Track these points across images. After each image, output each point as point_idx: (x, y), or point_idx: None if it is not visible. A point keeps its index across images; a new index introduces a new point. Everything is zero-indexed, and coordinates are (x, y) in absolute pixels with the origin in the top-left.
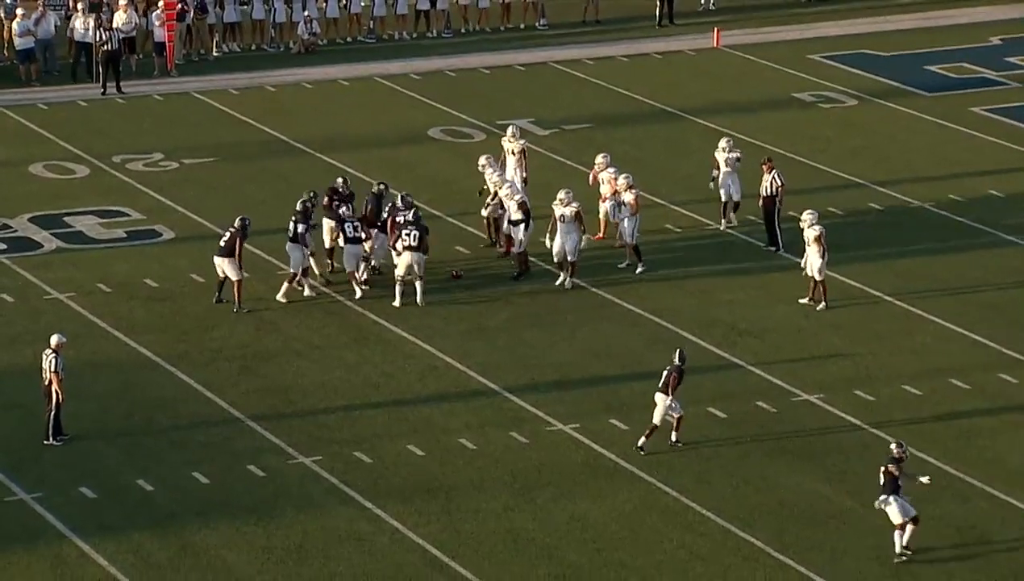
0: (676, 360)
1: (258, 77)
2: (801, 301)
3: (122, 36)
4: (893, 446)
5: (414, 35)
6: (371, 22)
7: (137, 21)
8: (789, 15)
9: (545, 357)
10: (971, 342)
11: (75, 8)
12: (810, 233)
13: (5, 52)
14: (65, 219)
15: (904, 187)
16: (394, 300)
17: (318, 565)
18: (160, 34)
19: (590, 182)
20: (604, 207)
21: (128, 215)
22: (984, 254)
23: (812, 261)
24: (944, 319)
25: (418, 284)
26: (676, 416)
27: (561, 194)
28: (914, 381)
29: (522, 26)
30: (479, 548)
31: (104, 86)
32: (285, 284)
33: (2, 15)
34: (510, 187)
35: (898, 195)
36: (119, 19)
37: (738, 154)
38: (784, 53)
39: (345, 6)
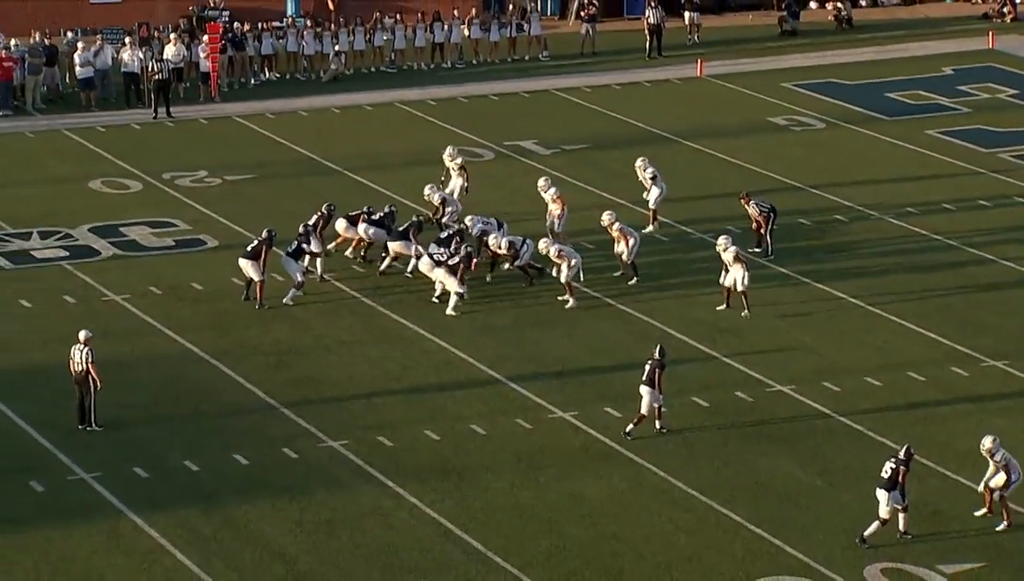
0: (657, 355)
1: (292, 102)
2: (719, 308)
3: (171, 66)
4: (903, 452)
5: (431, 65)
6: (392, 53)
7: (184, 53)
8: (764, 48)
9: (547, 352)
10: (926, 339)
11: (123, 42)
12: (727, 255)
13: (68, 80)
14: (120, 229)
15: (866, 201)
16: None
17: (345, 537)
18: (205, 64)
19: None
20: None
21: (176, 226)
22: (937, 260)
23: (736, 276)
24: (901, 318)
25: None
26: (658, 406)
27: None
28: (875, 373)
29: (527, 57)
30: (488, 522)
31: (155, 111)
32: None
33: (65, 47)
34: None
35: (861, 208)
36: (169, 51)
37: (653, 171)
38: (760, 82)
39: (369, 39)
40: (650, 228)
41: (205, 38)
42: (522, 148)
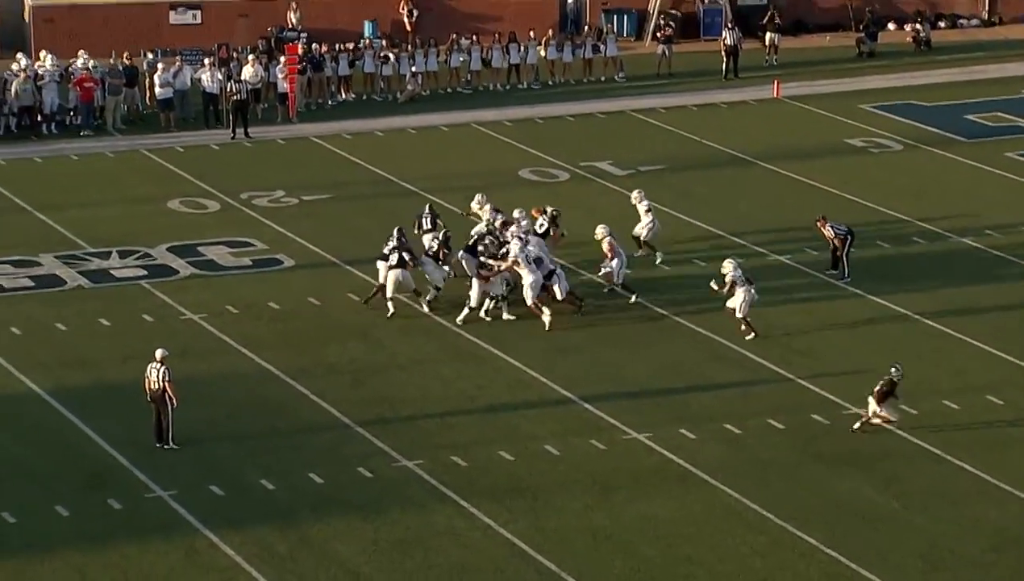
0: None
1: (369, 123)
2: (748, 338)
3: (249, 87)
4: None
5: (507, 86)
6: (468, 74)
7: (263, 74)
8: (842, 69)
9: (621, 372)
10: (1004, 362)
11: (202, 63)
12: (729, 279)
13: (148, 101)
14: (198, 249)
15: (944, 223)
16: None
17: (419, 557)
18: (283, 85)
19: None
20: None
21: (254, 245)
22: (1017, 282)
23: (736, 302)
24: (979, 340)
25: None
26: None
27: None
28: (952, 396)
29: (603, 78)
30: (562, 543)
31: (234, 131)
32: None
33: (145, 68)
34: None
35: (939, 230)
36: (247, 72)
37: (648, 204)
38: (837, 103)
39: (446, 60)
40: (640, 252)
41: (283, 59)
42: (598, 169)
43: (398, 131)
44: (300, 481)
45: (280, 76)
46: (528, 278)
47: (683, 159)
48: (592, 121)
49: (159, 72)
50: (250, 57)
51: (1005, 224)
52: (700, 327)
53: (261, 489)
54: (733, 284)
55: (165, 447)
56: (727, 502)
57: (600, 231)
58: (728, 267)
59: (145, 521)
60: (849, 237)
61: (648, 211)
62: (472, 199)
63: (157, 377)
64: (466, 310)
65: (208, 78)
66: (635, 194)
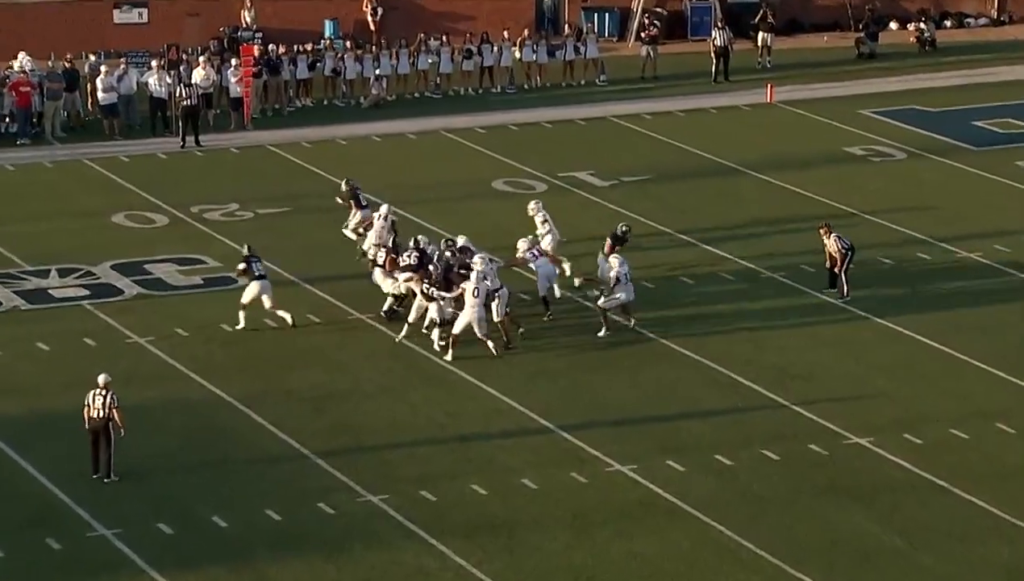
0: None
1: (330, 130)
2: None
3: (200, 91)
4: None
5: (479, 90)
6: (438, 78)
7: (214, 77)
8: (840, 72)
9: (603, 399)
10: (1015, 387)
11: (149, 66)
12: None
13: (90, 107)
14: (145, 266)
15: (950, 236)
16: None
17: None
18: (237, 90)
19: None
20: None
21: (205, 263)
22: None
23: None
24: (988, 364)
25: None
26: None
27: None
28: (960, 424)
29: (583, 82)
30: None
31: (183, 139)
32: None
33: (87, 71)
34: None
35: (944, 244)
36: (197, 75)
37: (544, 215)
38: (835, 108)
39: (413, 63)
40: (567, 267)
41: (236, 61)
42: (577, 179)
43: (362, 139)
44: (256, 517)
45: (233, 80)
46: (469, 313)
47: (669, 169)
48: (571, 128)
49: (102, 75)
50: (201, 59)
51: (1016, 239)
52: (688, 350)
53: (213, 526)
54: (617, 281)
55: (105, 480)
56: (718, 539)
57: (521, 245)
58: (614, 263)
59: (87, 562)
60: (850, 253)
61: (544, 222)
62: (442, 211)
63: (102, 404)
64: (406, 326)
65: (155, 82)
66: (532, 205)
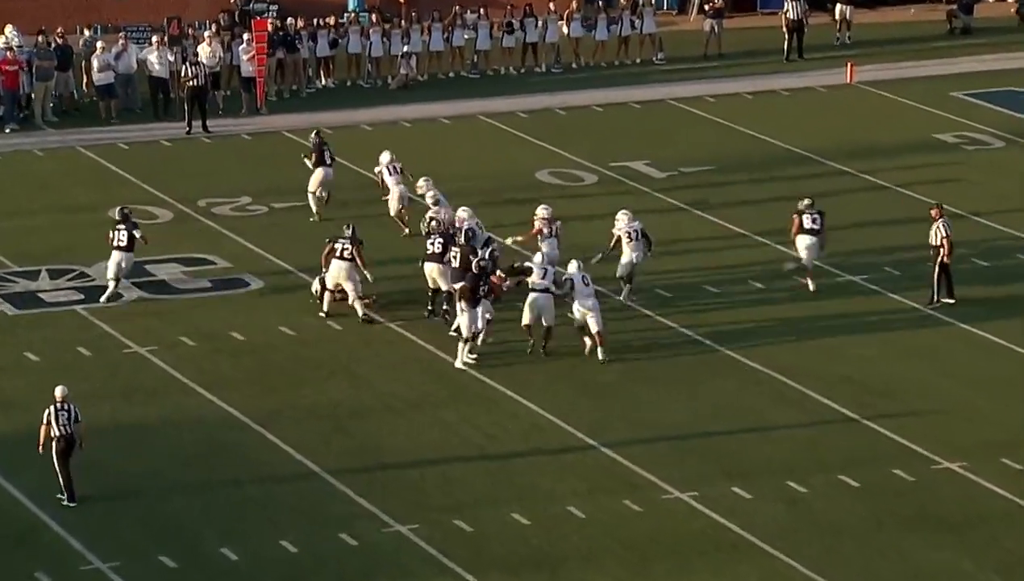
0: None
1: (353, 115)
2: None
3: (208, 71)
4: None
5: (521, 70)
6: (475, 56)
7: (223, 55)
8: (930, 49)
9: (660, 417)
10: None
11: (149, 42)
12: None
13: (85, 88)
14: (147, 267)
15: None
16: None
17: None
18: (249, 69)
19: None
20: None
21: (214, 263)
22: None
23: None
24: None
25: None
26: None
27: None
28: None
29: (638, 60)
30: None
31: (190, 124)
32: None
33: (82, 48)
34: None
35: None
36: (204, 53)
37: (435, 194)
38: (924, 90)
39: (447, 39)
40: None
41: (247, 37)
42: (632, 170)
43: (389, 124)
44: (269, 550)
45: (245, 57)
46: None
47: (735, 158)
48: (625, 112)
49: (98, 52)
50: (207, 35)
51: None
52: (754, 362)
53: (222, 560)
54: (619, 241)
55: (67, 503)
56: (789, 575)
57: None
58: (622, 219)
59: None
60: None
61: (436, 203)
62: (480, 205)
63: (67, 421)
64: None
65: (157, 60)
66: (422, 182)
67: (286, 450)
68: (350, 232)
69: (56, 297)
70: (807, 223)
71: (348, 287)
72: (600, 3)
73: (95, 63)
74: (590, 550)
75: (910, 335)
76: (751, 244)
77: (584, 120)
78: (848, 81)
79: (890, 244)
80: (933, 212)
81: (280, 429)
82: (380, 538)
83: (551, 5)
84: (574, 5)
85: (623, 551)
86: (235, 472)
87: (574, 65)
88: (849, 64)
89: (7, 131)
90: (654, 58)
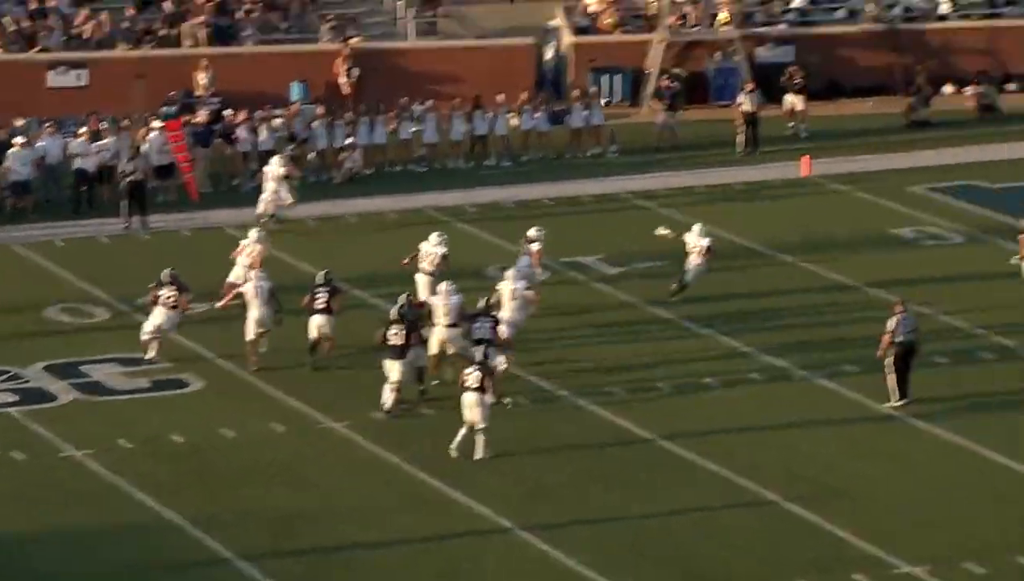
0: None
1: (297, 209)
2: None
3: (147, 164)
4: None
5: (471, 163)
6: (422, 148)
7: (160, 145)
8: (888, 141)
9: (614, 519)
10: None
11: (75, 134)
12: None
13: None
14: (82, 368)
15: (1019, 336)
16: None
17: None
18: (166, 158)
19: None
20: None
21: (153, 363)
22: None
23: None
24: None
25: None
26: None
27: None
28: None
29: (590, 153)
30: None
31: (128, 219)
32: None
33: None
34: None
35: (1009, 343)
36: (144, 145)
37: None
38: (882, 184)
39: (394, 131)
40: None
41: (159, 126)
42: (583, 265)
43: (334, 219)
44: None
45: (155, 147)
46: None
47: None
48: (577, 206)
49: (15, 148)
50: (144, 128)
51: None
52: (710, 461)
53: None
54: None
55: None
56: None
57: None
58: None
59: None
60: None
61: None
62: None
63: None
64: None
65: (80, 152)
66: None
67: (227, 557)
68: (324, 279)
69: None
70: None
71: (327, 332)
72: (551, 94)
73: (10, 158)
74: None
75: (870, 434)
76: (703, 338)
77: (535, 214)
78: (804, 174)
79: (846, 339)
80: (897, 307)
81: (223, 534)
82: None
83: (500, 97)
84: (524, 96)
85: None
86: (175, 579)
87: (524, 158)
88: (805, 157)
89: None
90: (607, 151)
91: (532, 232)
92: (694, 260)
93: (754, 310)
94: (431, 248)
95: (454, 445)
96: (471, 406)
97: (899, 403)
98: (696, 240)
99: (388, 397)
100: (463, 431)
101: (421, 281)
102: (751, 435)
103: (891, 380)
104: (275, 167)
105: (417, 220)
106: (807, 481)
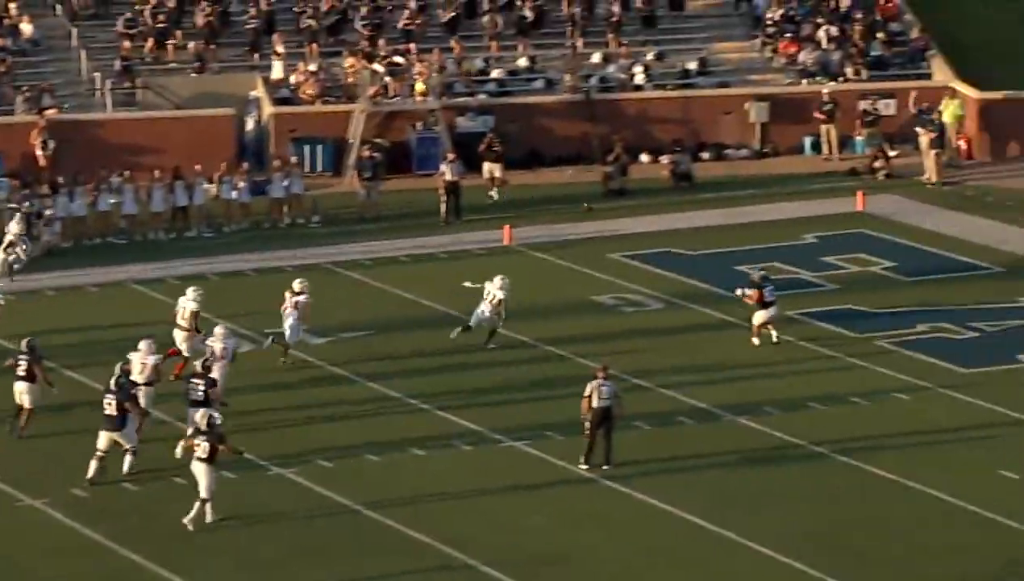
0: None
1: None
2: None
3: None
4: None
5: (172, 234)
6: (122, 220)
7: None
8: (587, 210)
9: None
10: (792, 571)
11: None
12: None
13: None
14: None
15: (716, 399)
16: None
17: None
18: None
19: None
20: None
21: None
22: (802, 471)
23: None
24: (761, 544)
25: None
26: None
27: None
28: None
29: (292, 222)
30: None
31: None
32: None
33: None
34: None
35: (713, 408)
36: None
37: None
38: (582, 252)
39: (92, 203)
40: None
41: None
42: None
43: (30, 294)
44: None
45: None
46: None
47: (394, 323)
48: (280, 276)
49: None
50: None
51: (786, 399)
52: (420, 532)
53: None
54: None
55: None
56: None
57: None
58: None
59: None
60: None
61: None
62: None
63: None
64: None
65: None
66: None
67: None
68: (27, 347)
69: None
70: None
71: (25, 402)
72: (252, 165)
73: None
74: None
75: (577, 500)
76: (411, 410)
77: (237, 286)
78: (506, 242)
79: (551, 409)
80: (599, 373)
81: None
82: None
83: (197, 167)
84: (224, 167)
85: None
86: None
87: (226, 229)
88: (507, 226)
89: None
90: (309, 221)
91: (296, 285)
92: (484, 307)
93: (460, 381)
94: (186, 302)
95: (188, 519)
96: (202, 474)
97: (585, 467)
98: (494, 290)
99: (93, 466)
100: (197, 504)
101: (177, 335)
102: (458, 505)
103: (586, 443)
104: None
105: (118, 294)
106: (517, 549)
